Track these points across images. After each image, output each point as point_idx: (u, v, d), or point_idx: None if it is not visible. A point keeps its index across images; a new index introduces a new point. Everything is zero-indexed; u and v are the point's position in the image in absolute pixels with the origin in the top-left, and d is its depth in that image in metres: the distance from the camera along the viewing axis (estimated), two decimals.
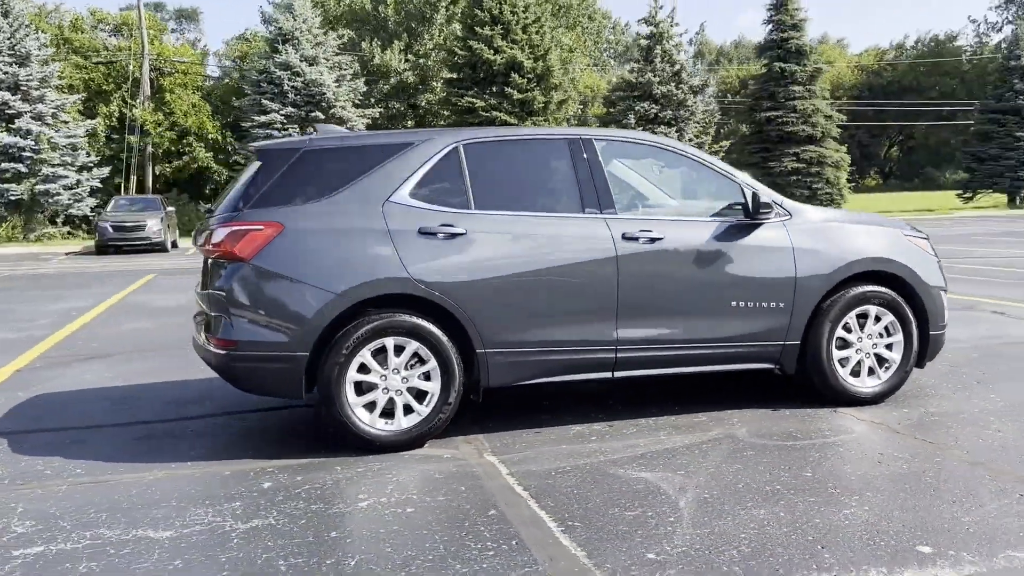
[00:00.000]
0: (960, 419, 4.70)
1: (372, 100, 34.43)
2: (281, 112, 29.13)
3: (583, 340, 4.56)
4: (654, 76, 32.39)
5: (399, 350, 4.30)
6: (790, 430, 4.57)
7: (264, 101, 29.31)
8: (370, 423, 4.30)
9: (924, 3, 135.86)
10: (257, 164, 4.46)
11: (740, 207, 4.80)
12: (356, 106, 31.78)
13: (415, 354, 4.32)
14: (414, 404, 4.36)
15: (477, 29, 30.38)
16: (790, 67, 35.27)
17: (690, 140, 32.37)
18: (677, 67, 32.95)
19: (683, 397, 5.22)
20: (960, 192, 40.74)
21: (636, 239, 4.59)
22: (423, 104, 36.23)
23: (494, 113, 30.28)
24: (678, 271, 4.69)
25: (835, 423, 4.71)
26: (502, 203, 4.55)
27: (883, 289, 4.93)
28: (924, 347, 5.08)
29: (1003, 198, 39.47)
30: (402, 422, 4.35)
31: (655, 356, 4.69)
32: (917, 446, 4.27)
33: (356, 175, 4.42)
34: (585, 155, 4.71)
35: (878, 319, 4.95)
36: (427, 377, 4.35)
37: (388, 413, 4.33)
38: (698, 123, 33.31)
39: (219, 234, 4.28)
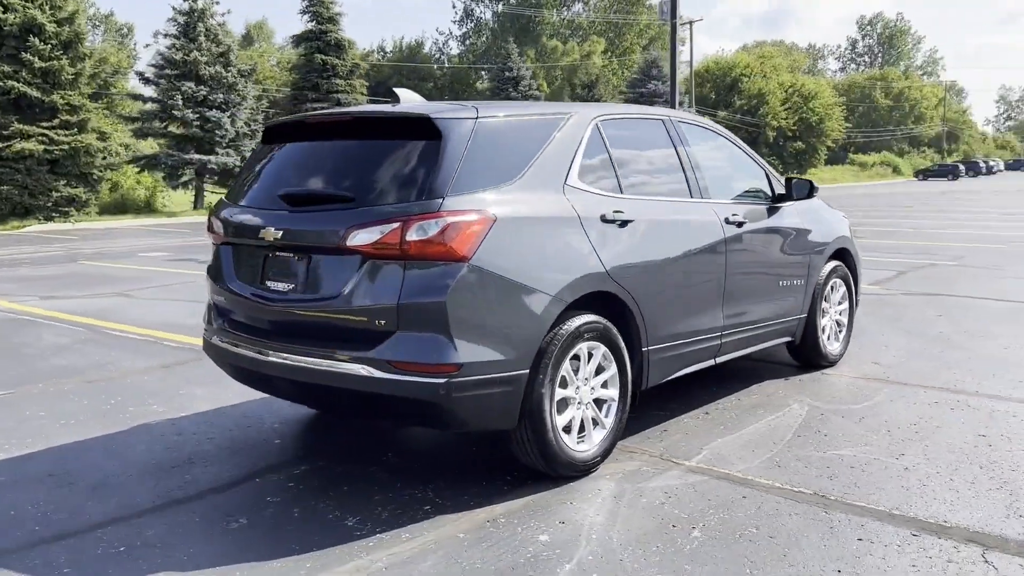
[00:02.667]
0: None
1: None
2: None
3: (707, 328, 4.56)
4: (200, 55, 30.15)
5: (588, 357, 3.84)
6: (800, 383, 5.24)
7: None
8: (571, 444, 3.74)
9: (397, 9, 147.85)
10: (427, 140, 3.51)
11: (760, 191, 5.22)
12: None
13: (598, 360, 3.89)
14: (599, 416, 3.91)
15: None
16: (331, 60, 35.90)
17: (244, 126, 31.05)
18: (224, 48, 31.16)
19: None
20: None
21: (732, 224, 4.74)
22: None
23: (10, 83, 25.23)
24: (756, 254, 4.95)
25: (820, 376, 5.50)
26: (639, 186, 4.28)
27: (843, 264, 5.84)
28: (854, 309, 6.13)
29: None
30: (594, 438, 3.87)
31: (740, 339, 4.88)
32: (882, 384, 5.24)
33: (531, 153, 3.78)
34: (679, 136, 4.69)
35: (836, 290, 5.84)
36: (605, 385, 3.95)
37: (569, 429, 3.79)
38: (250, 109, 32.03)
39: (423, 229, 3.30)
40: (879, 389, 5.21)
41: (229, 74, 30.91)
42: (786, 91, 69.49)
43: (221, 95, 30.51)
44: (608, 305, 3.90)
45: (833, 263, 5.71)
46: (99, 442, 4.44)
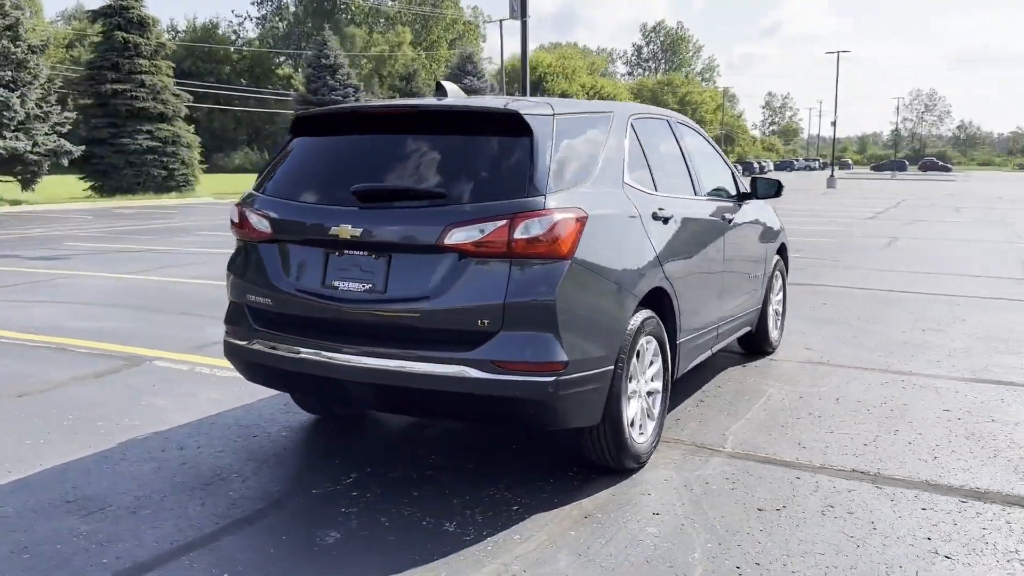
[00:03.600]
0: None
1: None
2: None
3: (714, 319, 4.81)
4: None
5: (645, 351, 3.93)
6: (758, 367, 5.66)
7: None
8: (635, 436, 3.83)
9: None
10: (517, 136, 3.44)
11: (725, 189, 5.53)
12: None
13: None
14: (651, 409, 4.03)
15: None
16: (134, 38, 33.29)
17: (35, 107, 28.08)
18: (12, 20, 27.95)
19: None
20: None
21: (728, 221, 5.00)
22: None
23: None
24: (741, 249, 5.24)
25: (773, 360, 5.94)
26: (664, 184, 4.41)
27: (780, 258, 6.31)
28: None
29: None
30: (648, 430, 3.98)
31: (727, 329, 5.16)
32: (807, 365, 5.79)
33: (597, 150, 3.81)
34: (679, 134, 4.88)
35: (776, 280, 6.30)
36: (653, 378, 4.05)
37: (633, 423, 3.87)
38: (41, 88, 28.97)
39: (530, 227, 3.24)
40: (829, 372, 5.70)
41: (18, 49, 27.84)
42: (587, 92, 72.59)
43: (9, 72, 27.44)
44: (658, 300, 4.03)
45: (776, 256, 6.17)
46: (92, 463, 3.99)
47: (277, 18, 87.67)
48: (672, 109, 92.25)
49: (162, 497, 3.59)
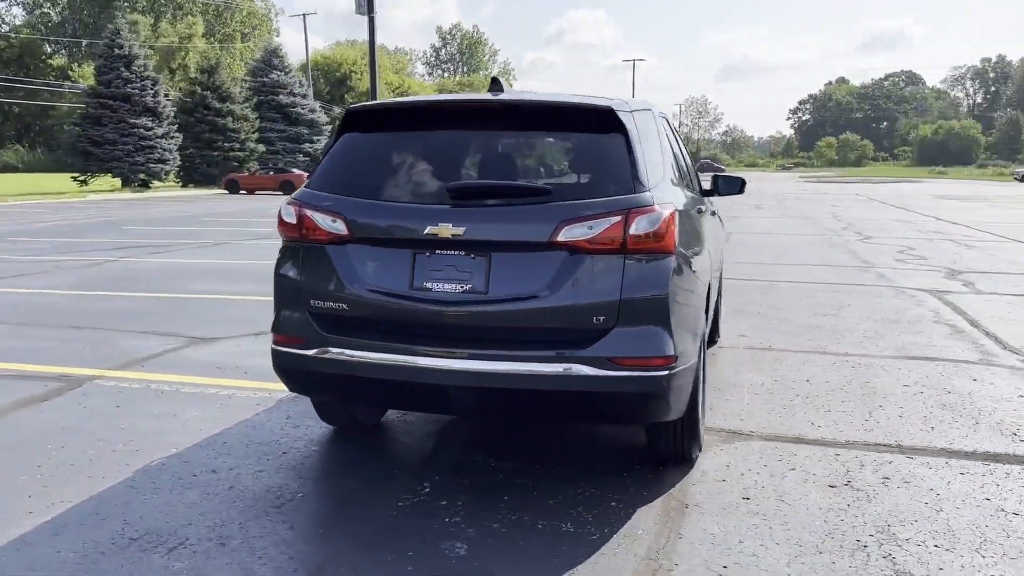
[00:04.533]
0: None
1: None
2: None
3: (711, 310, 5.02)
4: None
5: None
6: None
7: None
8: (701, 426, 3.95)
9: None
10: (611, 132, 3.43)
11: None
12: None
13: None
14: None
15: None
16: None
17: None
18: None
19: None
20: (76, 176, 40.62)
21: (713, 215, 5.23)
22: None
23: None
24: (717, 241, 5.50)
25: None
26: (679, 178, 4.52)
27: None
28: None
29: (118, 182, 41.09)
30: (705, 418, 4.11)
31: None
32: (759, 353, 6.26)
33: (658, 146, 3.88)
34: (670, 129, 5.03)
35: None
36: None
37: None
38: None
39: (644, 222, 3.25)
40: (780, 357, 6.13)
41: None
42: (394, 91, 72.13)
43: None
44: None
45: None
46: (123, 494, 3.56)
47: (48, 3, 79.92)
48: None
49: (238, 524, 3.27)
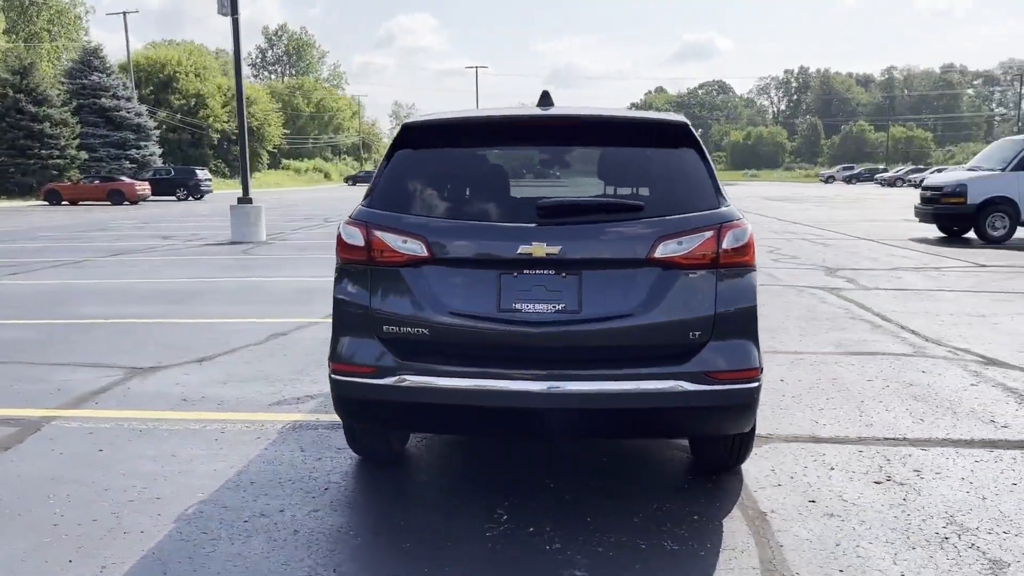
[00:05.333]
0: None
1: None
2: None
3: None
4: None
5: None
6: None
7: None
8: None
9: None
10: (684, 147, 3.43)
11: None
12: None
13: None
14: None
15: None
16: None
17: None
18: None
19: None
20: None
21: None
22: None
23: None
24: None
25: None
26: None
27: None
28: None
29: None
30: None
31: None
32: None
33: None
34: None
35: None
36: None
37: None
38: None
39: (735, 237, 3.30)
40: None
41: None
42: (224, 94, 69.14)
43: None
44: None
45: None
46: (180, 550, 3.20)
47: None
48: (307, 114, 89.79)
49: (334, 571, 3.03)
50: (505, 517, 3.49)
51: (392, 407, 3.39)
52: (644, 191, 3.40)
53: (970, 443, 4.43)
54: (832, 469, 4.06)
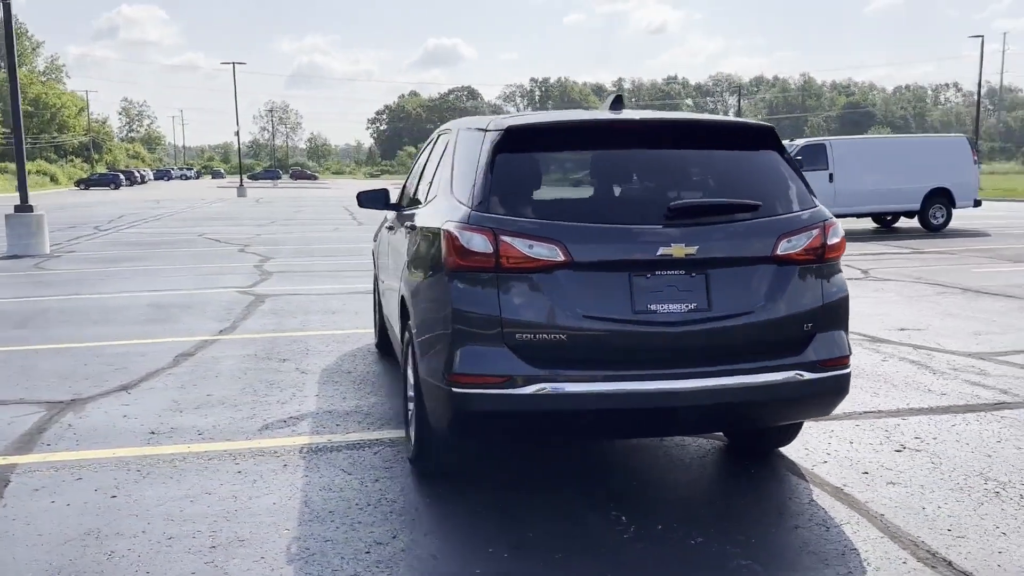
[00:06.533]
0: None
1: None
2: None
3: None
4: None
5: None
6: None
7: None
8: None
9: None
10: (773, 150, 3.64)
11: None
12: None
13: None
14: None
15: None
16: None
17: None
18: None
19: None
20: None
21: None
22: None
23: None
24: None
25: None
26: None
27: None
28: None
29: None
30: None
31: None
32: None
33: None
34: None
35: None
36: None
37: None
38: None
39: (835, 233, 3.58)
40: None
41: None
42: None
43: None
44: None
45: None
46: None
47: None
48: (25, 111, 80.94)
49: None
50: (624, 519, 3.49)
51: (526, 417, 3.27)
52: (757, 190, 3.55)
53: (949, 409, 5.01)
54: (851, 443, 4.45)
